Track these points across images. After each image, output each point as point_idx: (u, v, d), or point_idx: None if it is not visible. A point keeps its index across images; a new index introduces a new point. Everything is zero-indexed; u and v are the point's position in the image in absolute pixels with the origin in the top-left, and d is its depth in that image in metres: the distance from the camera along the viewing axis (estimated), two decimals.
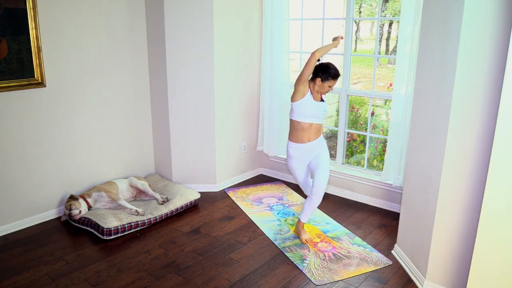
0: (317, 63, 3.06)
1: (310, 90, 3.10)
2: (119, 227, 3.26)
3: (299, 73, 3.08)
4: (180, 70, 3.93)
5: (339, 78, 3.10)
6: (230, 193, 4.20)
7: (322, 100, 3.18)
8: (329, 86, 3.07)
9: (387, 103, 6.06)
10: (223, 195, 4.17)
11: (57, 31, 3.37)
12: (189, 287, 2.70)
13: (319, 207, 3.87)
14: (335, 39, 3.15)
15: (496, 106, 2.15)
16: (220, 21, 3.89)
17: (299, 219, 3.31)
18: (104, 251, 3.11)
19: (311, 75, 3.09)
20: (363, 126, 6.29)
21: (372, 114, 5.79)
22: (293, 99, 3.12)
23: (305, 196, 3.53)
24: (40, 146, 3.44)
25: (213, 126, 4.08)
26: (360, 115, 6.63)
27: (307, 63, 3.00)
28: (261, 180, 4.59)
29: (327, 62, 3.10)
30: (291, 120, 3.20)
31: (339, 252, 3.11)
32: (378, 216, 3.72)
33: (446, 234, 2.50)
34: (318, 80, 3.06)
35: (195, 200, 3.89)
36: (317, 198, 3.18)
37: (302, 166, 3.31)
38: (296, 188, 4.33)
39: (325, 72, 3.04)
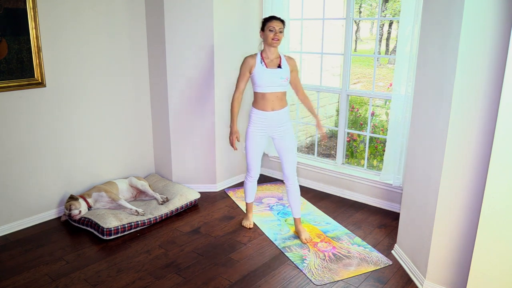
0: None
1: (262, 58, 3.06)
2: (119, 227, 3.26)
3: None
4: (180, 70, 3.93)
5: (283, 23, 3.02)
6: (230, 193, 4.20)
7: (279, 66, 3.07)
8: (270, 30, 2.97)
9: (387, 103, 6.06)
10: (223, 195, 4.17)
11: (57, 31, 3.37)
12: (189, 287, 2.70)
13: (319, 207, 3.87)
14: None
15: (496, 106, 2.15)
16: (220, 21, 3.89)
17: (294, 217, 3.32)
18: (104, 251, 3.11)
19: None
20: (363, 126, 6.29)
21: (372, 114, 5.80)
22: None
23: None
24: (40, 146, 3.44)
25: (213, 126, 4.08)
26: (360, 115, 6.64)
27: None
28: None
29: None
30: (254, 92, 3.17)
31: (339, 252, 3.11)
32: (378, 216, 3.72)
33: (446, 234, 2.50)
34: (261, 33, 3.06)
35: (195, 200, 3.89)
36: (294, 186, 3.17)
37: (260, 138, 3.15)
38: None
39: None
